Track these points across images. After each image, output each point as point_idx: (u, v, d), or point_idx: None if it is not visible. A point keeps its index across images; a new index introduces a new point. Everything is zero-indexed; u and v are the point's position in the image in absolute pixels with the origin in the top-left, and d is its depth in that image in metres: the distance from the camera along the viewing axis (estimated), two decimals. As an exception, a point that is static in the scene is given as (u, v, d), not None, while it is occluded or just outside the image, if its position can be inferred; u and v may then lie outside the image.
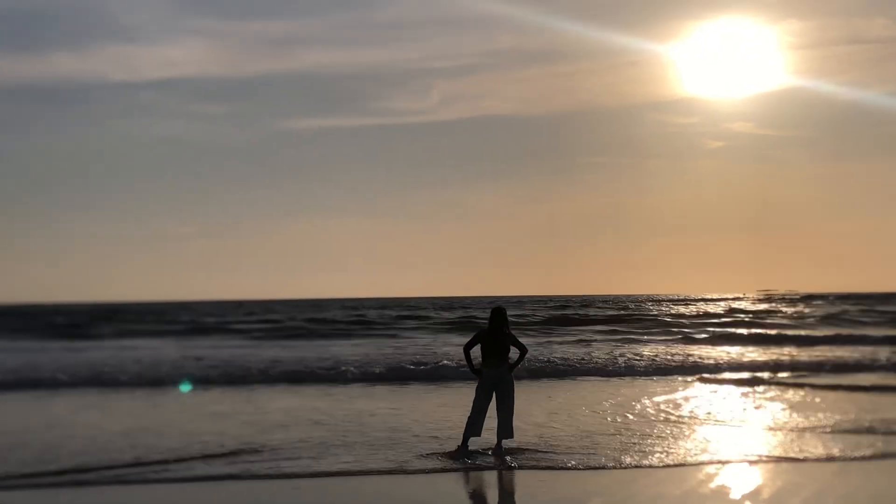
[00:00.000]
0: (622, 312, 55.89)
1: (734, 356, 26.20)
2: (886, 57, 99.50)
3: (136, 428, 13.54)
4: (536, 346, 28.02)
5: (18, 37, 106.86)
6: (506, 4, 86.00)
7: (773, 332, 38.21)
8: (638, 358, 24.74)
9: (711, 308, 61.41)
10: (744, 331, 38.67)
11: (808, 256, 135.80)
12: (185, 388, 20.84)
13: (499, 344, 11.67)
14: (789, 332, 37.17)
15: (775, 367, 23.38)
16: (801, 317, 49.87)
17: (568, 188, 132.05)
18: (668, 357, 25.17)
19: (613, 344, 31.07)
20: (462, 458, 11.20)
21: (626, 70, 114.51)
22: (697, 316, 52.87)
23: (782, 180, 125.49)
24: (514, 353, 11.77)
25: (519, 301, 73.45)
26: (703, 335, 36.17)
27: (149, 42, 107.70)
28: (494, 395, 11.65)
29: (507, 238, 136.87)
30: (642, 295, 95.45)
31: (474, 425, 11.58)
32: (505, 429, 11.59)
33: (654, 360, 24.31)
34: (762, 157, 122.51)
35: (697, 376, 21.16)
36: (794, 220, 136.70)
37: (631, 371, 22.03)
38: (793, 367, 23.37)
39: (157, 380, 20.80)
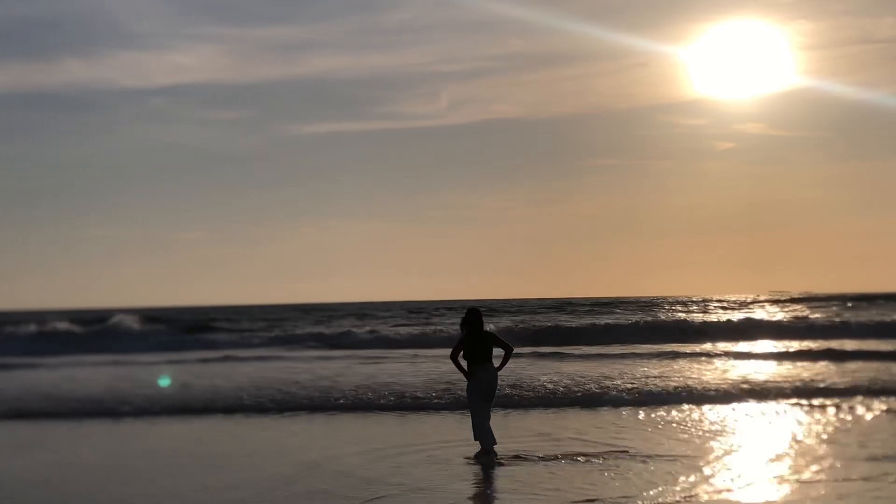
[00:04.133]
0: (638, 319, 52.67)
1: (785, 372, 23.64)
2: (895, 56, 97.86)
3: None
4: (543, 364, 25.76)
5: (29, 44, 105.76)
6: (514, 7, 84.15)
7: (827, 343, 34.56)
8: (673, 379, 22.29)
9: (738, 312, 58.50)
10: (790, 343, 34.67)
11: (818, 257, 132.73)
12: (164, 382, 19.60)
13: (486, 343, 11.89)
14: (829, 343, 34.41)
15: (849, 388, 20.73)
16: (839, 321, 46.64)
17: (577, 190, 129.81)
18: (703, 378, 22.76)
19: (632, 360, 27.86)
20: (491, 460, 11.43)
21: (636, 72, 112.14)
22: (727, 322, 49.77)
23: (792, 181, 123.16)
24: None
25: (527, 304, 71.22)
26: (742, 347, 33.58)
27: (158, 48, 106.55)
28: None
29: (517, 241, 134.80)
30: (660, 297, 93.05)
31: (488, 432, 11.66)
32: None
33: (689, 381, 21.86)
34: (772, 157, 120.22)
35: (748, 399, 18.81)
36: (804, 220, 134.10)
37: (662, 396, 19.48)
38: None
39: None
